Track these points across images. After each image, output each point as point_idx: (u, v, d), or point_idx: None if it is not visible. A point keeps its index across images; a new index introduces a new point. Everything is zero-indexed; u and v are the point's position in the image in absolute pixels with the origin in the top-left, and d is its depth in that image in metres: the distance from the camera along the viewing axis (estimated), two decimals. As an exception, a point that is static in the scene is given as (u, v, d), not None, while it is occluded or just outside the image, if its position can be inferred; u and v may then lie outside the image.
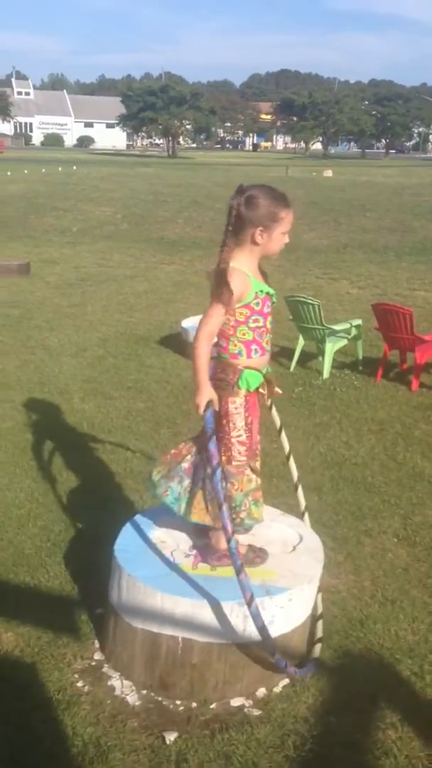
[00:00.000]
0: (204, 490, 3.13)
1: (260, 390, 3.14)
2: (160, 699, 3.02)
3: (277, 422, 3.57)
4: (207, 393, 2.91)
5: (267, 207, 2.93)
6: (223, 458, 3.05)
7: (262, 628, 2.80)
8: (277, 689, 3.07)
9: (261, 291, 3.00)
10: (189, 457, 3.21)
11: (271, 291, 3.07)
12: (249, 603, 2.78)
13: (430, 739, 2.83)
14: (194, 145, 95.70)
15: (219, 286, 2.90)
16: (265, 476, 4.81)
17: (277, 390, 3.22)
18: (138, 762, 2.70)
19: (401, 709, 2.98)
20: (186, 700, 3.00)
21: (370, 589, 3.83)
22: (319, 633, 3.36)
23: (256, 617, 2.79)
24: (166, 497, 3.20)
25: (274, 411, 3.56)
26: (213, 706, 2.98)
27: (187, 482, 3.18)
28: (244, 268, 2.96)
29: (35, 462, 5.24)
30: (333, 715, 2.94)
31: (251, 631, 2.94)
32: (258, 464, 3.23)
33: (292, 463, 3.69)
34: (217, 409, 2.97)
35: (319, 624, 3.38)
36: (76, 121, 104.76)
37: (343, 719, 2.92)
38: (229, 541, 2.78)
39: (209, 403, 2.91)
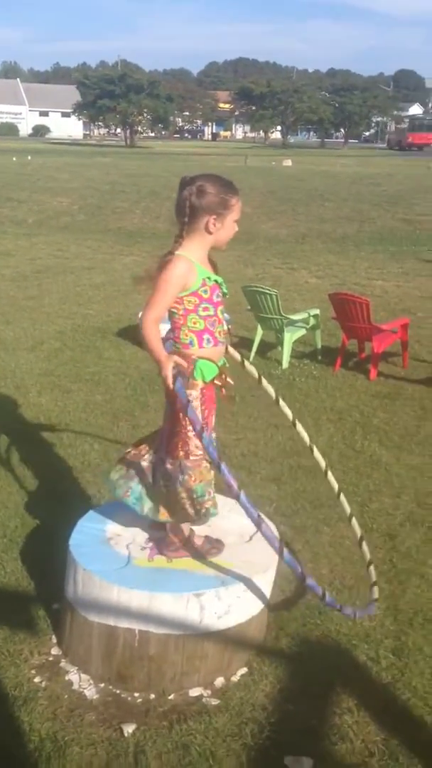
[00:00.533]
0: (167, 489, 3.12)
1: (216, 382, 3.12)
2: (118, 692, 3.02)
3: (289, 415, 3.52)
4: (170, 363, 2.83)
5: (218, 195, 2.93)
6: (181, 453, 3.04)
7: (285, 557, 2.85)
8: (235, 678, 3.09)
9: (209, 278, 2.99)
10: (147, 456, 3.20)
11: (220, 279, 3.05)
12: (259, 525, 2.78)
13: (385, 723, 2.88)
14: (152, 135, 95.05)
15: (160, 272, 2.89)
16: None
17: (228, 380, 3.18)
18: (96, 755, 2.69)
19: (357, 694, 3.02)
20: (144, 692, 3.00)
21: (328, 577, 3.87)
22: (373, 577, 3.58)
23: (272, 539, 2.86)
24: (127, 498, 3.19)
25: (282, 404, 3.49)
26: (171, 696, 2.99)
27: (147, 481, 3.17)
28: (190, 257, 2.94)
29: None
30: (290, 702, 2.97)
31: (208, 622, 2.96)
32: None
33: (330, 476, 3.72)
34: (187, 376, 2.93)
35: (371, 569, 3.60)
36: (30, 110, 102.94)
37: (300, 706, 2.95)
38: (238, 496, 2.72)
39: (176, 375, 2.84)
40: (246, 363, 3.44)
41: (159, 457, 3.14)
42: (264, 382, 3.44)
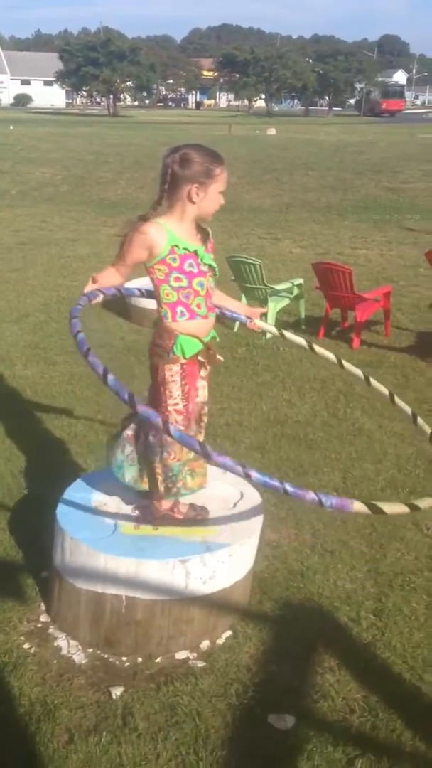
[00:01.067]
0: (146, 460, 3.16)
1: (200, 358, 3.09)
2: (106, 656, 3.09)
3: (385, 392, 3.51)
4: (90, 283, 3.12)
5: (202, 163, 2.88)
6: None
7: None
8: (220, 641, 3.17)
9: (178, 246, 2.91)
10: (132, 425, 3.23)
11: (198, 249, 2.96)
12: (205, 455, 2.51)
13: (365, 681, 2.97)
14: (136, 104, 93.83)
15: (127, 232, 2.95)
16: (209, 437, 4.86)
17: (218, 357, 3.18)
18: (85, 717, 2.77)
19: (339, 654, 3.11)
20: (131, 656, 3.08)
21: (311, 542, 3.95)
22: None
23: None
24: (110, 466, 3.25)
25: (374, 383, 3.51)
26: (158, 660, 3.07)
27: (129, 449, 3.21)
28: (165, 224, 2.91)
29: (-23, 430, 5.21)
30: (273, 664, 3.05)
31: (193, 587, 3.02)
32: (201, 434, 3.26)
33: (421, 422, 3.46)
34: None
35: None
36: (12, 79, 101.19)
37: (284, 666, 3.04)
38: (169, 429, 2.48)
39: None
40: (372, 381, 3.53)
41: (142, 428, 3.18)
42: (396, 399, 3.48)
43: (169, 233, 2.89)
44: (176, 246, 2.91)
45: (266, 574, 3.61)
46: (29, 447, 4.95)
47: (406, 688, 2.96)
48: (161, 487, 3.15)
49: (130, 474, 3.21)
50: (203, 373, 3.18)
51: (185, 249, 2.93)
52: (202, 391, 3.21)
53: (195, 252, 2.96)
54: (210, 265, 3.04)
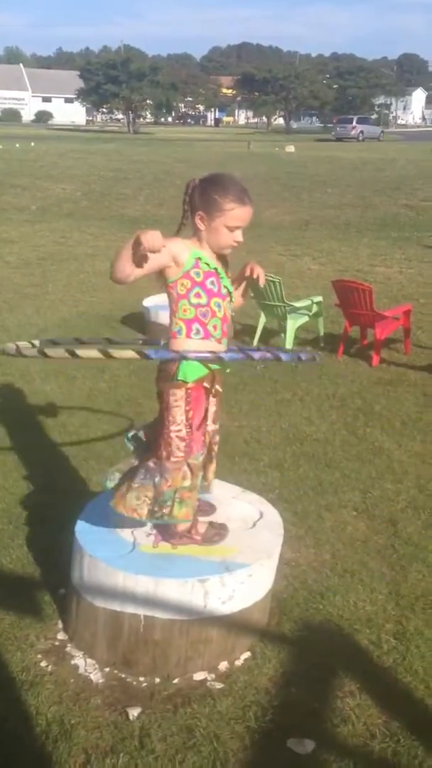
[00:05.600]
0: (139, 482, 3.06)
1: (205, 384, 3.02)
2: (123, 676, 3.06)
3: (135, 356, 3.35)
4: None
5: (212, 194, 2.83)
6: (163, 453, 3.01)
7: None
8: (239, 662, 3.13)
9: (201, 259, 2.89)
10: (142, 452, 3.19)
11: (219, 269, 2.95)
12: None
13: (387, 706, 2.92)
14: (155, 121, 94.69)
15: None
16: (227, 455, 4.90)
17: (217, 387, 3.09)
18: (101, 738, 2.74)
19: (359, 677, 3.06)
20: (149, 676, 3.04)
21: (330, 562, 3.91)
22: None
23: None
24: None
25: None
26: (176, 681, 3.03)
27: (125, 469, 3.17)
28: (186, 241, 2.89)
29: (-4, 444, 5.22)
30: (293, 686, 3.01)
31: (212, 607, 2.99)
32: (213, 462, 3.23)
33: None
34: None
35: None
36: (33, 96, 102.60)
37: (303, 689, 2.99)
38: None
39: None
40: None
41: (147, 451, 3.13)
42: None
43: (191, 249, 2.89)
44: (200, 259, 2.89)
45: (285, 595, 3.57)
46: (48, 463, 4.95)
47: (429, 713, 2.91)
48: (145, 510, 3.02)
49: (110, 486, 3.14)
50: (212, 400, 3.11)
51: (207, 264, 2.91)
52: (212, 418, 3.14)
53: (216, 270, 2.95)
54: (229, 290, 3.02)
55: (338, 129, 58.16)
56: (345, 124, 58.58)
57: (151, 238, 2.62)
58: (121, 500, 3.06)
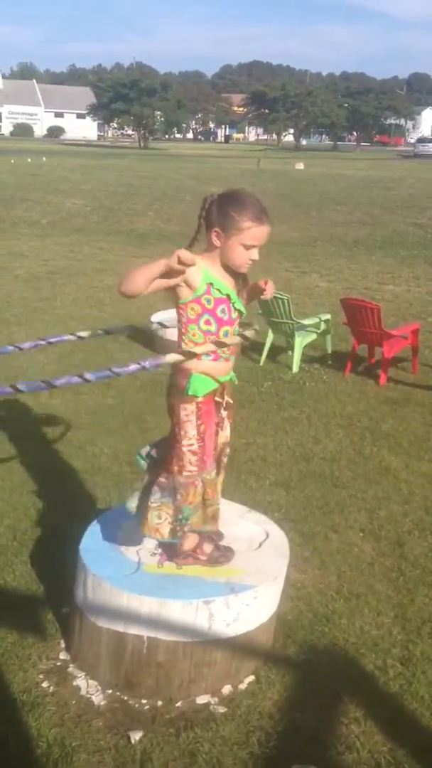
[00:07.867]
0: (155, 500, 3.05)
1: (216, 398, 3.02)
2: (125, 698, 3.02)
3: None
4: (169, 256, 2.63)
5: (230, 212, 2.80)
6: (175, 468, 2.99)
7: None
8: (243, 686, 3.09)
9: (213, 285, 2.85)
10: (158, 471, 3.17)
11: (231, 293, 2.92)
12: None
13: (392, 733, 2.87)
14: (166, 137, 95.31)
15: None
16: (233, 472, 4.85)
17: (228, 399, 3.10)
18: (102, 762, 2.70)
19: (365, 703, 3.02)
20: (151, 699, 3.00)
21: (336, 584, 3.86)
22: None
23: None
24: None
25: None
26: (179, 704, 2.99)
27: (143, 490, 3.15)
28: (202, 262, 2.84)
29: (1, 459, 5.20)
30: (297, 711, 2.96)
31: (216, 629, 2.96)
32: (222, 474, 3.20)
33: None
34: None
35: None
36: (46, 111, 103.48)
37: (307, 715, 2.95)
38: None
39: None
40: None
41: (159, 467, 3.12)
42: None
43: (204, 271, 2.85)
44: (212, 284, 2.87)
45: (290, 617, 3.53)
46: (53, 478, 4.93)
47: (435, 742, 2.86)
48: (166, 529, 3.03)
49: (137, 514, 3.13)
50: (224, 413, 3.11)
51: (219, 290, 2.88)
52: (224, 431, 3.14)
53: (228, 296, 2.92)
54: (240, 311, 3.00)
55: (420, 147, 67.76)
56: (427, 143, 68.06)
57: (191, 256, 2.65)
58: (144, 522, 3.05)
